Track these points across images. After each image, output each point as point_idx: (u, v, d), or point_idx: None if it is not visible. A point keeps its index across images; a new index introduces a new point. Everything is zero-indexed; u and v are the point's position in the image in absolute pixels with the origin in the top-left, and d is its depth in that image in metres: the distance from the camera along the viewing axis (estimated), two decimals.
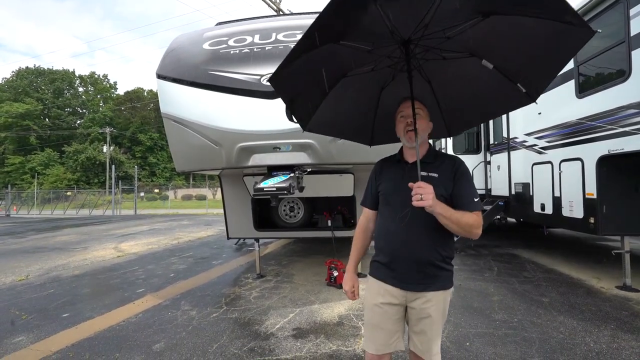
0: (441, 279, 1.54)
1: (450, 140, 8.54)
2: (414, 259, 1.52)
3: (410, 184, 1.38)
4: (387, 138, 1.92)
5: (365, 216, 1.78)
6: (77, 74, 54.32)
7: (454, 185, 1.53)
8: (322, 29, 1.24)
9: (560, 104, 5.04)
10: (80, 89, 55.36)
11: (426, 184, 1.37)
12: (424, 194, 1.34)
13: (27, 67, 51.55)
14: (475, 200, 1.51)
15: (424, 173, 1.47)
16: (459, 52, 1.49)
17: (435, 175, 1.52)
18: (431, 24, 1.29)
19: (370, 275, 1.68)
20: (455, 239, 1.93)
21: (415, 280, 1.53)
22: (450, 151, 8.54)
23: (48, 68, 52.31)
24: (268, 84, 3.23)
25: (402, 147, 1.70)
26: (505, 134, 6.77)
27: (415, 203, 1.36)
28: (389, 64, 1.58)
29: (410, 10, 1.24)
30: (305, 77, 1.56)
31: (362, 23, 1.32)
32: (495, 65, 1.49)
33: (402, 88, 1.59)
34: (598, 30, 5.54)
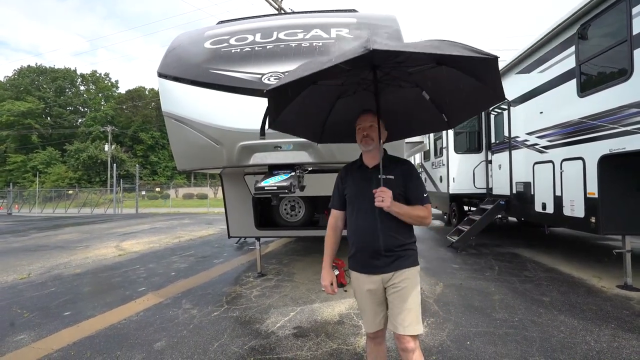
0: (405, 258, 1.83)
1: (452, 141, 8.53)
2: (379, 248, 1.79)
3: (374, 190, 1.70)
4: (334, 139, 2.29)
5: (333, 216, 2.02)
6: (78, 72, 54.51)
7: (407, 184, 1.84)
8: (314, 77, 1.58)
9: (561, 103, 5.02)
10: (82, 88, 55.47)
11: (386, 189, 1.69)
12: (384, 197, 1.67)
13: (28, 66, 51.67)
14: (425, 195, 1.84)
15: (383, 176, 1.77)
16: (410, 83, 1.91)
17: (392, 177, 1.82)
18: (403, 63, 1.71)
19: (351, 269, 1.96)
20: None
21: (382, 263, 1.81)
22: (451, 150, 8.55)
23: (50, 66, 52.48)
24: (270, 82, 3.24)
25: (361, 154, 1.97)
26: (506, 133, 6.76)
27: (377, 204, 1.68)
28: (357, 81, 1.89)
29: (394, 56, 1.54)
30: (288, 91, 1.84)
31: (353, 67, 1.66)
32: (431, 97, 1.96)
33: (357, 101, 1.97)
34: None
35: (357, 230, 1.85)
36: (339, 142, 2.32)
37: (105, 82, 56.50)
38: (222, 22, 4.31)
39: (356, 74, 1.80)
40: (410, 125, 2.27)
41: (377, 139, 1.85)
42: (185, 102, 3.51)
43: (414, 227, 1.89)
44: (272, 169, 3.67)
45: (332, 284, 1.94)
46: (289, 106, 1.97)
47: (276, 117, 2.04)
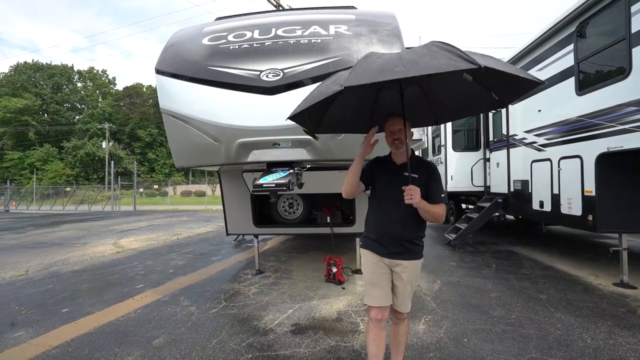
0: (414, 251, 2.07)
1: (450, 138, 8.53)
2: (397, 236, 2.04)
3: (403, 187, 1.87)
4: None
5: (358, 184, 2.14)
6: (75, 69, 54.10)
7: (429, 184, 2.03)
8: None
9: (560, 101, 5.03)
10: (79, 85, 55.11)
11: (415, 187, 1.85)
12: (413, 195, 1.83)
13: (25, 62, 51.32)
14: (442, 196, 2.03)
15: (408, 173, 1.95)
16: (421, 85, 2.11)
17: (416, 176, 2.00)
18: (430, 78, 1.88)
19: (362, 248, 2.18)
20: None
21: (397, 250, 2.04)
22: (450, 148, 8.55)
23: (46, 63, 52.07)
24: (268, 79, 3.23)
25: (390, 152, 2.14)
26: (504, 131, 6.76)
27: (407, 201, 1.84)
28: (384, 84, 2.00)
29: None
30: (319, 102, 1.86)
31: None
32: (474, 78, 1.88)
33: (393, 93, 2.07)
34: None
35: (381, 217, 2.09)
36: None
37: (103, 78, 56.19)
38: (220, 18, 4.28)
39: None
40: (457, 107, 2.30)
41: (405, 141, 2.02)
42: (183, 99, 3.49)
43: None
44: (271, 167, 3.65)
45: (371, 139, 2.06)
46: (329, 111, 2.11)
47: (316, 126, 2.19)
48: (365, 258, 2.14)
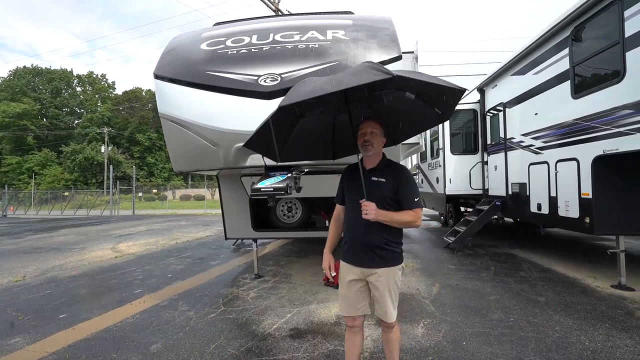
0: (388, 258, 1.99)
1: (448, 142, 8.57)
2: (367, 243, 1.98)
3: (360, 201, 1.88)
4: (346, 152, 2.38)
5: (337, 209, 2.23)
6: (75, 73, 54.14)
7: (399, 188, 1.96)
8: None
9: (556, 104, 5.07)
10: (78, 89, 55.13)
11: (369, 202, 1.85)
12: (368, 211, 1.84)
13: (24, 67, 51.26)
14: (415, 200, 1.96)
15: (374, 178, 1.97)
16: (390, 90, 2.09)
17: (383, 180, 1.97)
18: (369, 94, 2.03)
19: (341, 259, 2.14)
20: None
21: (368, 259, 1.98)
22: (448, 151, 8.58)
23: (46, 67, 52.05)
24: (266, 84, 3.25)
25: (362, 157, 2.11)
26: (502, 135, 6.80)
27: (363, 216, 1.86)
28: (333, 108, 2.16)
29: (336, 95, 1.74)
30: (273, 131, 2.05)
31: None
32: (416, 95, 2.04)
33: (358, 115, 2.13)
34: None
35: (350, 224, 2.06)
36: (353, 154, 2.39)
37: (102, 83, 56.20)
38: (218, 23, 4.32)
39: (330, 101, 2.00)
40: (408, 125, 2.37)
41: (376, 145, 2.01)
42: (182, 103, 3.51)
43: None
44: (269, 171, 3.67)
45: (330, 268, 2.13)
46: (289, 140, 2.21)
47: (278, 153, 2.25)
48: (342, 270, 2.13)
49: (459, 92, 1.84)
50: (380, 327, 3.27)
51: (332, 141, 2.38)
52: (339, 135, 2.31)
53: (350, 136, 2.07)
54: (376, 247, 1.96)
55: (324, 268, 2.14)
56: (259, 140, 2.08)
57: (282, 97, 1.82)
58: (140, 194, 30.45)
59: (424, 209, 12.97)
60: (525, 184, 5.96)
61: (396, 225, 1.93)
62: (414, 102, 1.98)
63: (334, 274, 2.12)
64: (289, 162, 2.43)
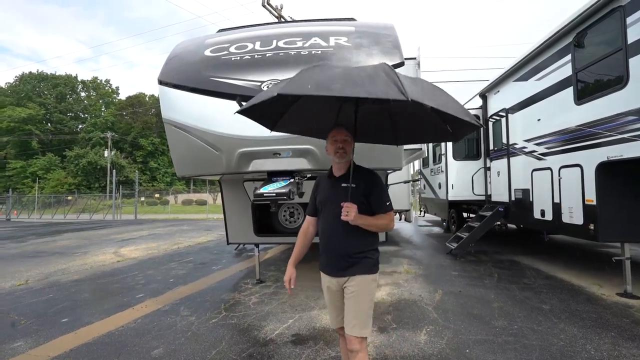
0: (362, 265, 1.93)
1: (450, 147, 8.57)
2: (339, 251, 1.94)
3: (342, 203, 1.82)
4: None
5: (306, 221, 2.18)
6: (79, 79, 54.72)
7: (370, 193, 1.93)
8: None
9: (559, 110, 5.06)
10: (83, 94, 55.67)
11: (352, 204, 1.81)
12: (349, 212, 1.79)
13: (30, 72, 51.89)
14: (387, 204, 1.95)
15: (345, 185, 1.92)
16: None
17: (354, 185, 1.92)
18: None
19: (320, 270, 2.09)
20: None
21: (343, 266, 1.93)
22: (450, 157, 8.58)
23: (51, 73, 52.65)
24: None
25: (331, 165, 2.07)
26: (504, 140, 6.79)
27: (343, 217, 1.81)
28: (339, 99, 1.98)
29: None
30: (271, 106, 1.88)
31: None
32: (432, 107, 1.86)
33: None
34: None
35: (323, 233, 2.03)
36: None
37: (106, 88, 56.76)
38: (222, 30, 4.36)
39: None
40: (416, 131, 2.32)
41: (349, 152, 1.99)
42: (185, 109, 3.54)
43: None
44: (271, 176, 3.68)
45: (290, 280, 2.07)
46: (287, 113, 2.10)
47: (274, 122, 2.21)
48: (322, 280, 2.08)
49: (476, 128, 1.82)
50: (379, 333, 3.26)
51: (331, 122, 2.25)
52: (342, 118, 2.18)
53: (351, 122, 2.00)
54: (352, 254, 1.92)
55: (285, 281, 2.09)
56: (252, 109, 1.95)
57: (284, 80, 1.71)
58: (142, 199, 30.51)
59: (426, 214, 12.97)
60: (528, 190, 5.93)
61: (373, 229, 1.93)
62: (428, 113, 1.84)
63: (292, 287, 2.08)
64: (282, 132, 2.40)
